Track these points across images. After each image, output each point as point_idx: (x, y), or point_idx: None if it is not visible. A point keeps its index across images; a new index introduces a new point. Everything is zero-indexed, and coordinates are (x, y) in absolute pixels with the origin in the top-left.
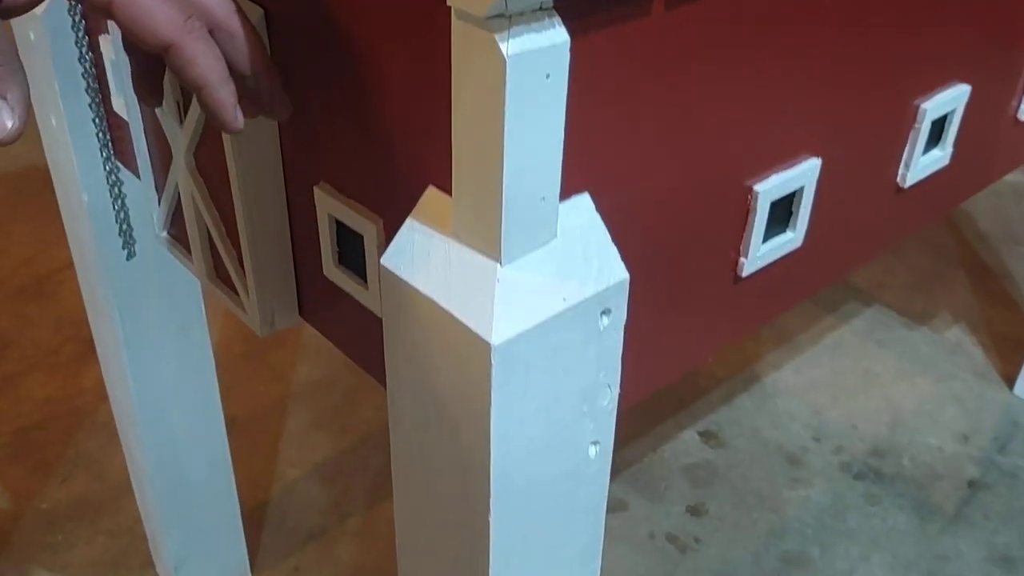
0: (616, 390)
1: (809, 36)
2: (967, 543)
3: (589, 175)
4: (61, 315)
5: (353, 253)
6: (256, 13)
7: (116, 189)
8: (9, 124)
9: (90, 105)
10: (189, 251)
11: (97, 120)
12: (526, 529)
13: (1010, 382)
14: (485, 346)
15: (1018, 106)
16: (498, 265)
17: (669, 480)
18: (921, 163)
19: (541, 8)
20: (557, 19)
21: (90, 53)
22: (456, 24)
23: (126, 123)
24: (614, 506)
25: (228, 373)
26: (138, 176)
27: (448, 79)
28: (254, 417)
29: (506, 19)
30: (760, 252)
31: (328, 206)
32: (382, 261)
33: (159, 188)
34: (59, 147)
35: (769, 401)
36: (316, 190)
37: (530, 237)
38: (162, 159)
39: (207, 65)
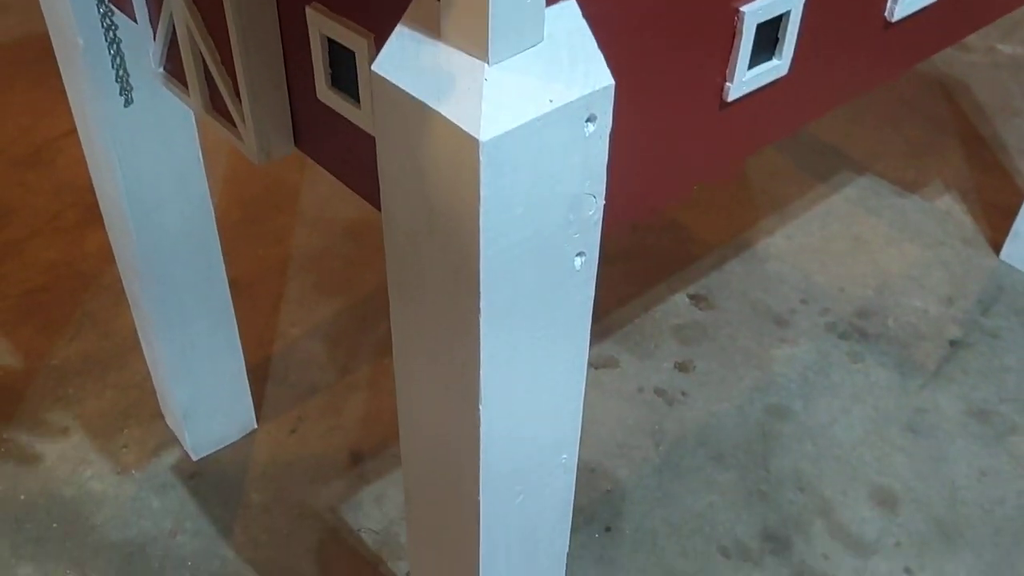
0: (601, 201)
1: None
2: (946, 397)
3: None
4: (61, 182)
5: (346, 74)
6: None
7: (111, 33)
8: None
9: None
10: (186, 86)
11: None
12: (514, 338)
13: (997, 248)
14: (474, 143)
15: None
16: (486, 65)
17: (659, 339)
18: None
19: None
20: None
21: None
22: None
23: None
24: (605, 362)
25: (228, 238)
26: (133, 19)
27: None
28: (255, 279)
29: None
30: (746, 77)
31: (320, 24)
32: (373, 68)
33: (154, 23)
34: None
35: (759, 266)
36: (308, 9)
37: (517, 38)
38: None
39: None
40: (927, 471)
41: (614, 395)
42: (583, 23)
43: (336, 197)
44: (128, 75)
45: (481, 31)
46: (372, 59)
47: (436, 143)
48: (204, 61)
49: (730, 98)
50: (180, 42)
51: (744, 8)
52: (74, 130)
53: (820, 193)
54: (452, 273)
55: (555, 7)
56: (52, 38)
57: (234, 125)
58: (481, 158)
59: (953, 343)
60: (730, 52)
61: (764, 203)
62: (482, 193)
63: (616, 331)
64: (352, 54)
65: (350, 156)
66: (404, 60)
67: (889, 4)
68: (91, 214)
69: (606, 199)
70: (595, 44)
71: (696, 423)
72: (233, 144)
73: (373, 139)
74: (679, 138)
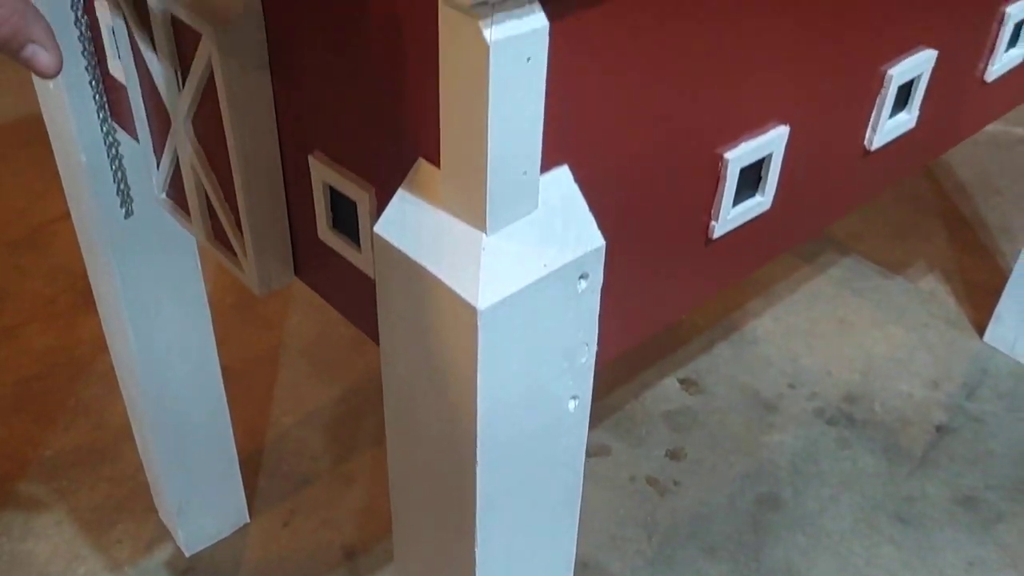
0: (594, 348)
1: (775, 8)
2: (933, 485)
3: (568, 148)
4: (56, 266)
5: (347, 217)
6: None
7: (113, 150)
8: (47, 60)
9: (87, 68)
10: (188, 213)
11: (94, 83)
12: (510, 478)
13: (981, 329)
14: (472, 310)
15: (985, 68)
16: (484, 235)
17: (650, 426)
18: (888, 126)
19: None
20: (537, 5)
21: (86, 16)
22: (443, 11)
23: (123, 86)
24: (597, 451)
25: (221, 323)
26: (136, 139)
27: (437, 59)
28: (248, 366)
29: (490, 7)
30: (730, 215)
31: (323, 174)
32: (376, 229)
33: (158, 152)
34: (57, 109)
35: (747, 348)
36: (311, 158)
37: (513, 208)
38: (160, 123)
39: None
40: (916, 562)
41: (607, 485)
42: (575, 188)
43: None
44: (129, 188)
45: (479, 203)
46: (373, 210)
47: (435, 305)
48: (206, 193)
49: (715, 236)
50: (183, 174)
51: (728, 155)
52: (70, 213)
53: (805, 274)
54: (449, 422)
55: (549, 175)
56: (55, 151)
57: (235, 255)
58: (479, 324)
59: (939, 428)
60: (714, 194)
61: (751, 284)
62: (479, 357)
63: (607, 418)
64: (354, 203)
65: (350, 293)
66: (405, 223)
67: (868, 134)
68: (85, 299)
69: (597, 342)
70: (586, 207)
71: (688, 513)
72: (234, 274)
73: (373, 281)
74: (666, 277)
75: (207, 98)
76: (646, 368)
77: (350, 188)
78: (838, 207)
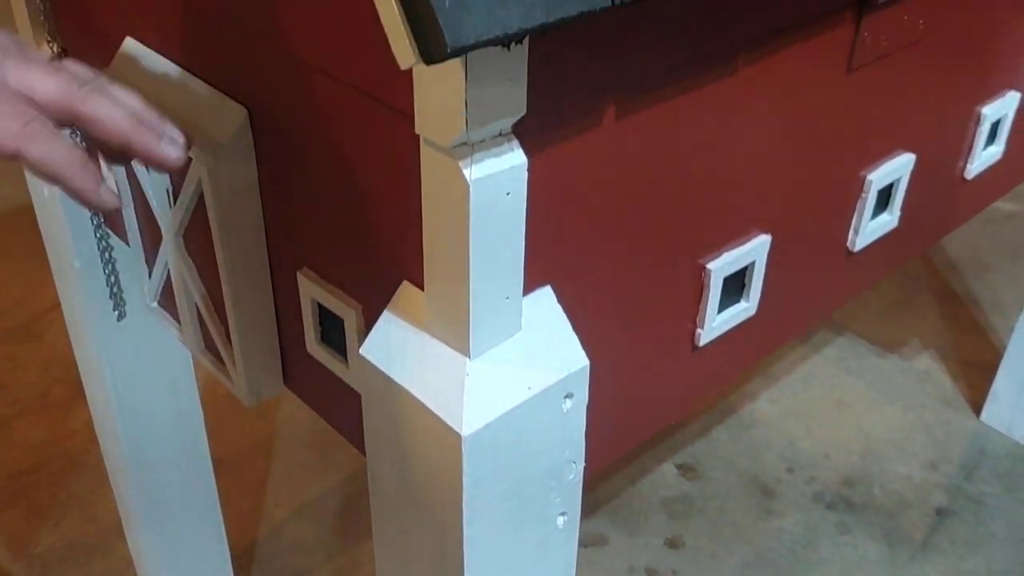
0: (581, 464)
1: (755, 125)
2: (935, 570)
3: (550, 269)
4: (50, 356)
5: (334, 332)
6: (240, 114)
7: (107, 255)
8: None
9: None
10: (179, 322)
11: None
12: None
13: (977, 409)
14: (456, 437)
15: (965, 166)
16: (467, 359)
17: (648, 513)
18: (870, 228)
19: (500, 134)
20: (515, 142)
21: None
22: (425, 150)
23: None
24: (594, 540)
25: (212, 414)
26: (127, 243)
27: (420, 191)
28: (241, 457)
29: (469, 147)
30: (715, 323)
31: (311, 291)
32: (361, 351)
33: (149, 262)
34: (51, 216)
35: (744, 432)
36: (300, 275)
37: (496, 332)
38: (152, 234)
39: (56, 162)
40: None
41: None
42: (558, 308)
43: None
44: (122, 292)
45: (463, 328)
46: (360, 327)
47: (420, 428)
48: (197, 306)
49: (701, 343)
50: (174, 286)
51: (710, 265)
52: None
53: (801, 355)
54: (435, 539)
55: (531, 296)
56: (48, 254)
57: (225, 366)
58: (464, 451)
59: (939, 511)
60: (699, 303)
61: None
62: (464, 481)
63: (604, 505)
64: (341, 319)
65: (338, 405)
66: (390, 346)
67: (851, 236)
68: (78, 389)
69: (585, 457)
70: (569, 326)
71: None
72: (224, 384)
73: (359, 395)
74: (653, 386)
75: (198, 215)
76: (643, 453)
77: (337, 305)
78: (824, 308)
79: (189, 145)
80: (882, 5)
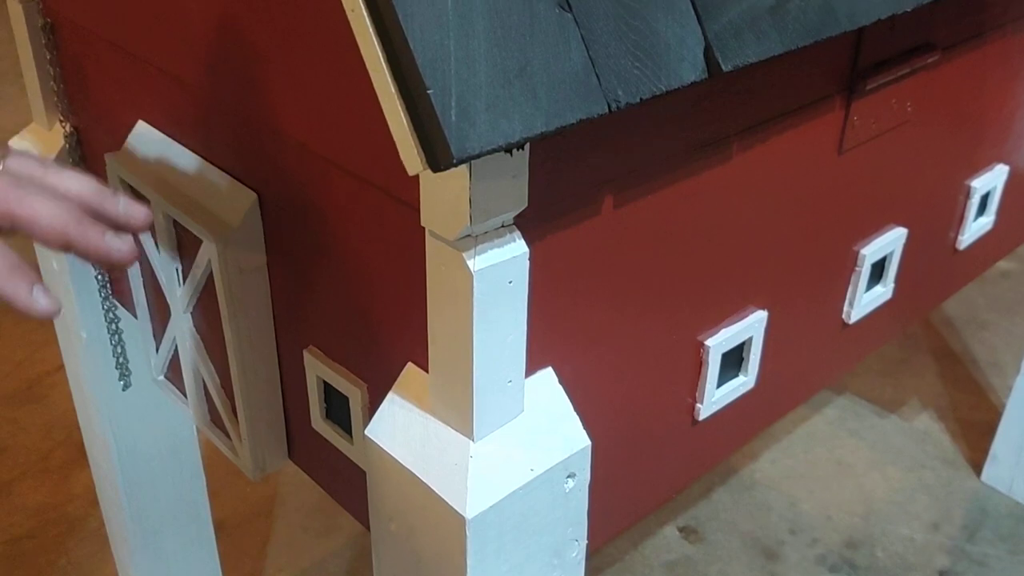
0: (584, 543)
1: (749, 207)
2: None
3: (552, 352)
4: (52, 419)
5: (339, 409)
6: (250, 198)
7: (113, 326)
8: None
9: None
10: (185, 395)
11: (96, 265)
12: None
13: (977, 469)
14: (460, 519)
15: (956, 237)
16: (471, 442)
17: None
18: (864, 300)
19: (503, 225)
20: (517, 233)
21: None
22: (430, 241)
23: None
24: None
25: (215, 475)
26: (135, 315)
27: (424, 279)
28: (242, 520)
29: (473, 239)
30: (715, 397)
31: (317, 369)
32: (366, 432)
33: (157, 336)
34: (60, 288)
35: (746, 493)
36: (306, 353)
37: (499, 415)
38: (160, 310)
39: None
40: None
41: None
42: (559, 389)
43: None
44: (127, 362)
45: (466, 412)
46: (364, 406)
47: (424, 508)
48: (204, 380)
49: (701, 417)
50: (181, 361)
51: (708, 342)
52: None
53: (801, 415)
54: None
55: (533, 378)
56: (55, 326)
57: (230, 439)
58: (468, 532)
59: (942, 573)
60: (698, 378)
61: None
62: (469, 562)
63: (606, 569)
64: (346, 397)
65: (342, 480)
66: (395, 427)
67: (846, 309)
68: (80, 452)
69: (586, 535)
70: (571, 407)
71: None
72: (228, 457)
73: (363, 472)
74: (655, 462)
75: (206, 293)
76: (645, 517)
77: (343, 384)
78: (822, 379)
79: (149, 222)
80: (870, 91)
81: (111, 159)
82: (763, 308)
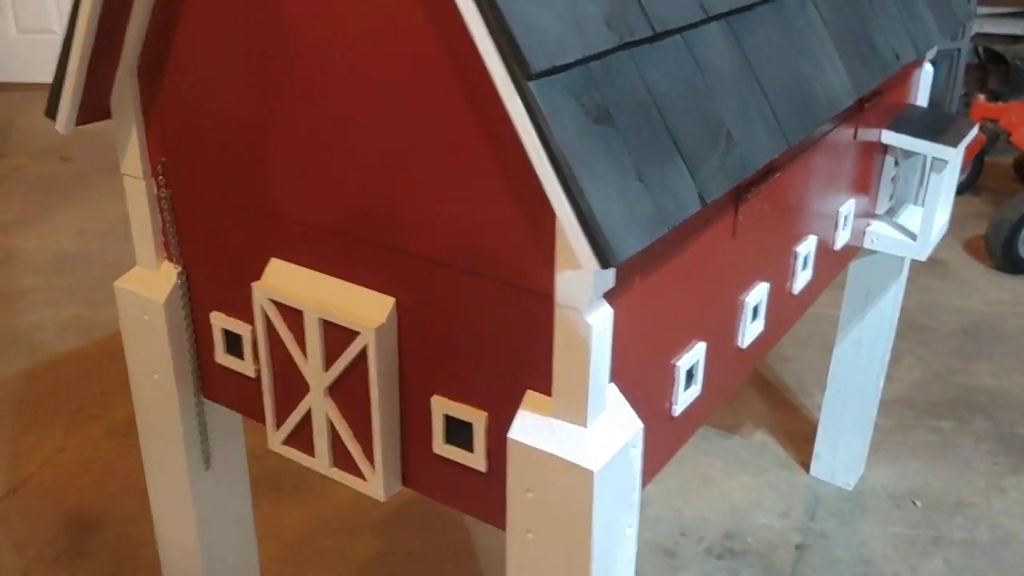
0: (639, 492)
1: (692, 280)
2: None
3: (614, 373)
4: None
5: (459, 434)
6: (389, 302)
7: (201, 419)
8: None
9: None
10: (305, 453)
11: (193, 372)
12: None
13: (806, 467)
14: (588, 473)
15: (792, 285)
16: (584, 428)
17: None
18: (749, 331)
19: (601, 297)
20: (605, 302)
21: (191, 322)
22: (560, 311)
23: (223, 368)
24: None
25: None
26: (234, 409)
27: (551, 333)
28: None
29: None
30: (680, 401)
31: (443, 407)
32: (510, 435)
33: (280, 414)
34: (157, 392)
35: (643, 511)
36: (434, 397)
37: (595, 411)
38: (288, 395)
39: None
40: None
41: None
42: (621, 395)
43: (319, 530)
44: (209, 444)
45: (581, 412)
46: (487, 428)
47: (556, 473)
48: (336, 435)
49: (676, 415)
50: (314, 424)
51: (677, 364)
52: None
53: None
54: (564, 563)
55: (608, 387)
56: (139, 419)
57: (358, 476)
58: (594, 482)
59: (798, 547)
60: (673, 388)
61: None
62: (594, 504)
63: None
64: (468, 424)
65: (463, 488)
66: (530, 428)
67: (740, 338)
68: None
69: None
70: (629, 406)
71: None
72: (355, 487)
73: (483, 474)
74: (652, 444)
75: (349, 372)
76: None
77: (467, 414)
78: (732, 386)
79: None
80: (748, 199)
81: (258, 286)
82: (704, 340)
